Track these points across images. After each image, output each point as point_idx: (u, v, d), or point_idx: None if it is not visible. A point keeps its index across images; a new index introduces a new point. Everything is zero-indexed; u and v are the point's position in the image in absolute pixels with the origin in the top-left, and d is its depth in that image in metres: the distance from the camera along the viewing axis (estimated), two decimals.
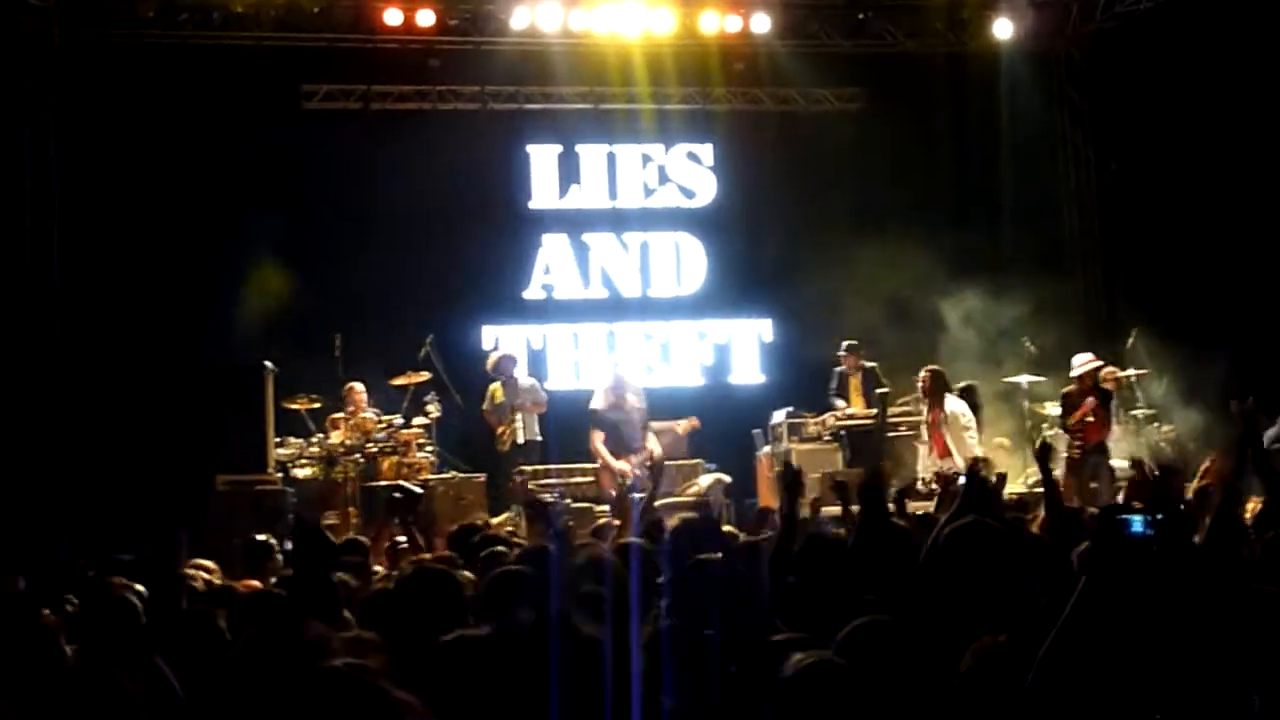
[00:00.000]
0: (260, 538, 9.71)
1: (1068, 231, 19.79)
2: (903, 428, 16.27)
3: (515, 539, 9.23)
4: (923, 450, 15.61)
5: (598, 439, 15.21)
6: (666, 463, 16.17)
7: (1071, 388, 15.37)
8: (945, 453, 15.23)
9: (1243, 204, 17.26)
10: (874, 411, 16.12)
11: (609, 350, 18.58)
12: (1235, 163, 17.27)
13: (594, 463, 15.67)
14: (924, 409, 15.68)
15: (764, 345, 19.50)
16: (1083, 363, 15.45)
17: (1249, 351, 15.82)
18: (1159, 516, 4.12)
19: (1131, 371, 16.53)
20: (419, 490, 13.09)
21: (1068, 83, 19.75)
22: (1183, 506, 7.10)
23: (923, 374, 15.68)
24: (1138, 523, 4.10)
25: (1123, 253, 19.20)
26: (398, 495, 11.61)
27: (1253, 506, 7.67)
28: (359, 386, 15.86)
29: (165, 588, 5.65)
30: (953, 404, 15.55)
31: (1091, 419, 14.99)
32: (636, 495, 13.39)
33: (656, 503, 13.03)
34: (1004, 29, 18.94)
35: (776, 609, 5.83)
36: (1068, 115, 19.79)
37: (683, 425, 16.43)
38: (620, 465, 14.92)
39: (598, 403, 15.70)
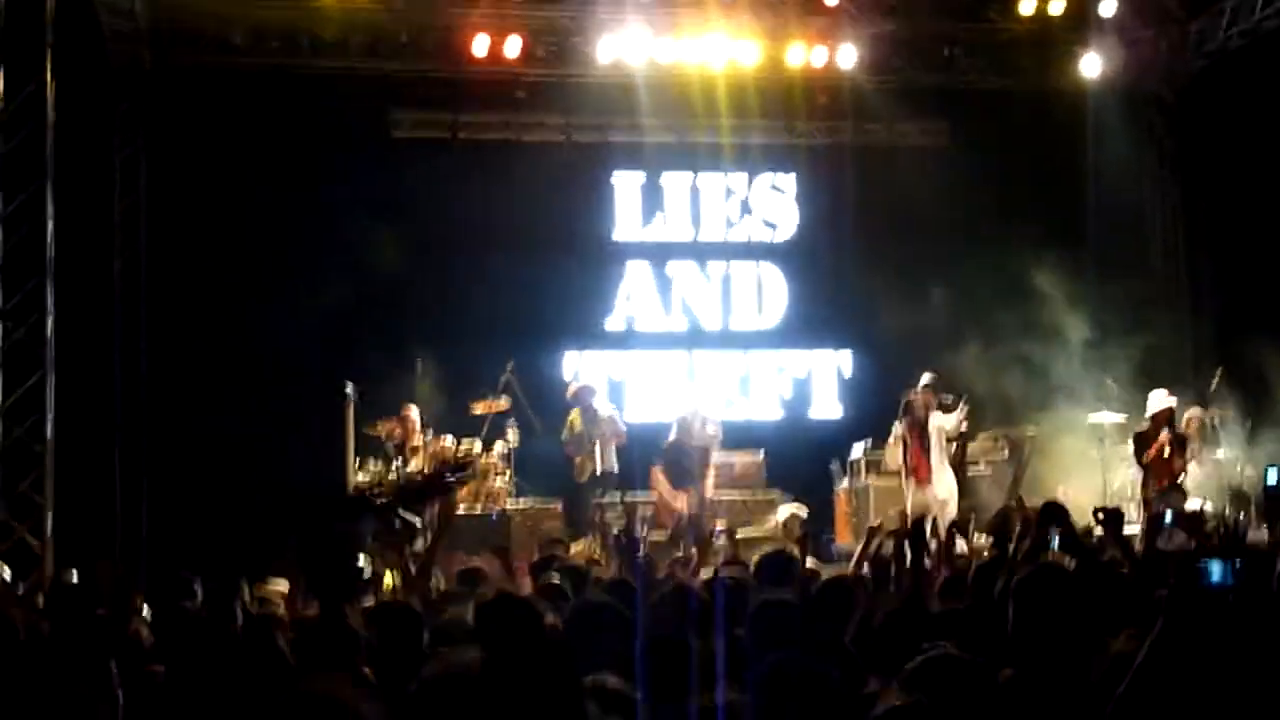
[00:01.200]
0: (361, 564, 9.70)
1: (1154, 271, 19.60)
2: (981, 465, 16.19)
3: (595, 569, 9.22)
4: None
5: (659, 476, 15.20)
6: (744, 495, 16.24)
7: (1145, 428, 15.17)
8: (927, 478, 15.01)
9: None
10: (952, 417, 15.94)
11: (688, 381, 18.59)
12: None
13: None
14: (901, 429, 15.31)
15: (843, 379, 19.44)
16: (1158, 401, 15.27)
17: None
18: (1238, 563, 4.08)
19: (1215, 411, 16.31)
20: (416, 522, 12.72)
21: (1157, 121, 19.58)
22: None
23: (914, 396, 15.39)
24: (1217, 570, 4.07)
25: (1210, 294, 18.99)
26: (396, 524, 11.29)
27: None
28: (412, 408, 15.92)
29: (221, 614, 5.68)
30: (936, 421, 15.32)
31: (1166, 455, 14.78)
32: (715, 529, 13.42)
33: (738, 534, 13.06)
34: (1092, 66, 18.79)
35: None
36: (1156, 155, 19.62)
37: (739, 463, 16.37)
38: (679, 503, 14.90)
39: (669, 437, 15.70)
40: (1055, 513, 7.81)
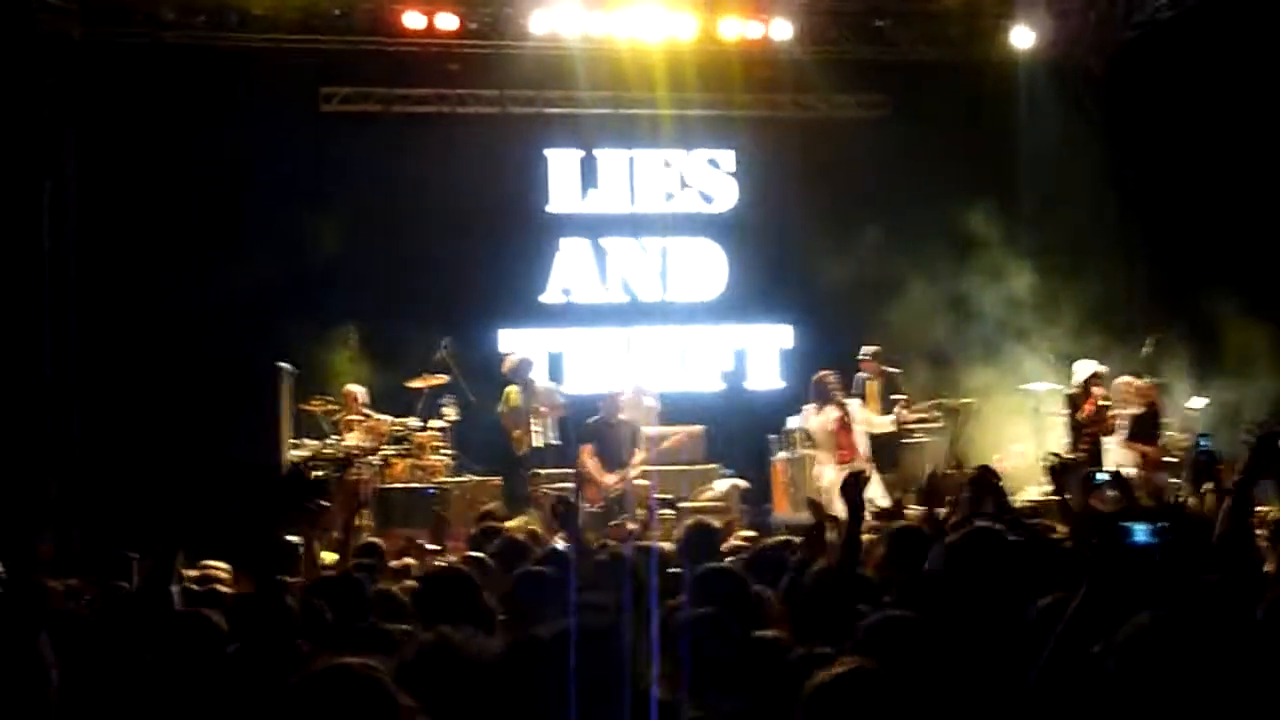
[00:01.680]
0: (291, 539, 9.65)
1: (1088, 240, 19.72)
2: (918, 434, 16.31)
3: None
4: (819, 458, 15.46)
5: (586, 452, 15.12)
6: (684, 467, 16.28)
7: (1076, 391, 15.40)
8: (853, 454, 15.14)
9: (1265, 213, 17.17)
10: (889, 418, 16.11)
11: (626, 355, 18.59)
12: (1256, 172, 17.20)
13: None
14: (830, 410, 15.49)
15: (783, 351, 19.48)
16: (1085, 368, 15.50)
17: (1273, 360, 15.74)
18: (1162, 525, 4.10)
19: (1148, 377, 16.45)
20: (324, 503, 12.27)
21: (1086, 92, 19.69)
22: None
23: (826, 377, 15.54)
24: (1140, 531, 4.09)
25: (1142, 260, 19.15)
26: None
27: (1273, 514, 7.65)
28: (357, 390, 15.88)
29: (155, 591, 5.64)
30: (854, 403, 15.60)
31: (1097, 413, 14.93)
32: (658, 497, 13.44)
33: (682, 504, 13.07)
34: (1023, 38, 18.89)
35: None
36: (1086, 125, 19.73)
37: (669, 440, 16.34)
38: (608, 479, 14.84)
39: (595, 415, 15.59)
40: (987, 480, 7.88)
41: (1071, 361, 16.14)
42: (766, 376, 19.50)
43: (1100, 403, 15.03)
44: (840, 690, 4.01)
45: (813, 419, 15.46)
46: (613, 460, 14.92)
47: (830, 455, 15.32)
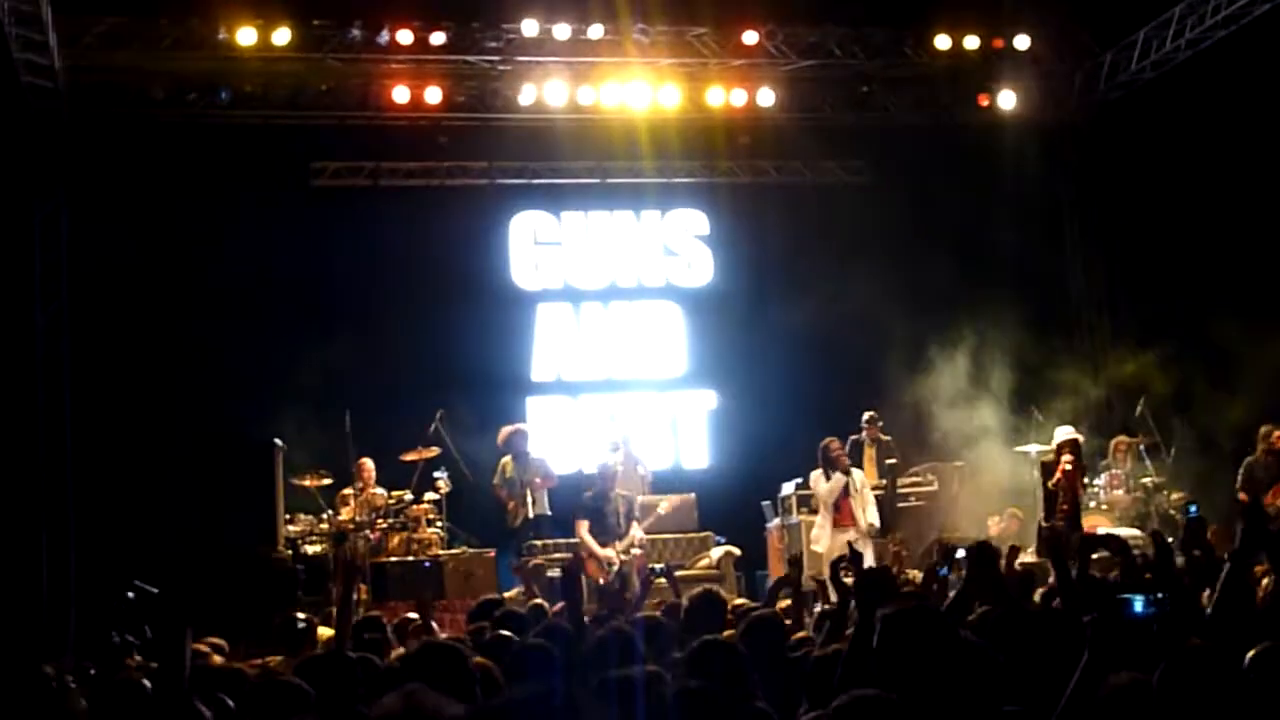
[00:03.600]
0: (300, 616, 9.63)
1: (1074, 300, 19.83)
2: (912, 498, 16.33)
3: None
4: (818, 522, 15.47)
5: (583, 527, 15.04)
6: (677, 535, 16.27)
7: (1049, 459, 15.26)
8: (852, 522, 15.18)
9: (1250, 268, 17.27)
10: (884, 482, 16.15)
11: (616, 425, 18.54)
12: (1240, 226, 17.31)
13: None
14: (839, 477, 15.38)
15: (772, 416, 19.37)
16: (1062, 434, 15.35)
17: (1256, 416, 15.78)
18: (1160, 595, 4.14)
19: (1141, 437, 16.51)
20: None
21: (1072, 152, 19.84)
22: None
23: (831, 443, 15.58)
24: (1139, 602, 4.13)
25: (1131, 319, 19.21)
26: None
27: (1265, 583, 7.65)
28: (369, 462, 15.88)
29: (170, 670, 5.62)
30: (858, 472, 15.61)
31: (1069, 478, 14.82)
32: (655, 567, 13.38)
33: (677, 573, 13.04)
34: (1007, 100, 19.05)
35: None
36: (1071, 184, 19.88)
37: (664, 506, 16.34)
38: (606, 553, 14.77)
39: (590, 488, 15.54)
40: (985, 555, 7.87)
41: (1058, 421, 16.19)
42: (745, 447, 19.30)
43: (1066, 468, 14.89)
44: None
45: (822, 484, 15.41)
46: (608, 533, 14.85)
47: (828, 520, 15.30)
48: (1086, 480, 15.52)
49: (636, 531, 14.96)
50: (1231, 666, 4.26)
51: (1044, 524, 12.28)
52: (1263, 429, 15.37)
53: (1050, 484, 14.90)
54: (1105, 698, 3.68)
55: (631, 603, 10.02)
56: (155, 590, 8.73)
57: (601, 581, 14.21)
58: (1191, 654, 4.09)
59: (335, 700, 5.62)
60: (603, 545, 14.65)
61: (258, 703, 5.47)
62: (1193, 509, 8.17)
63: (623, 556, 14.62)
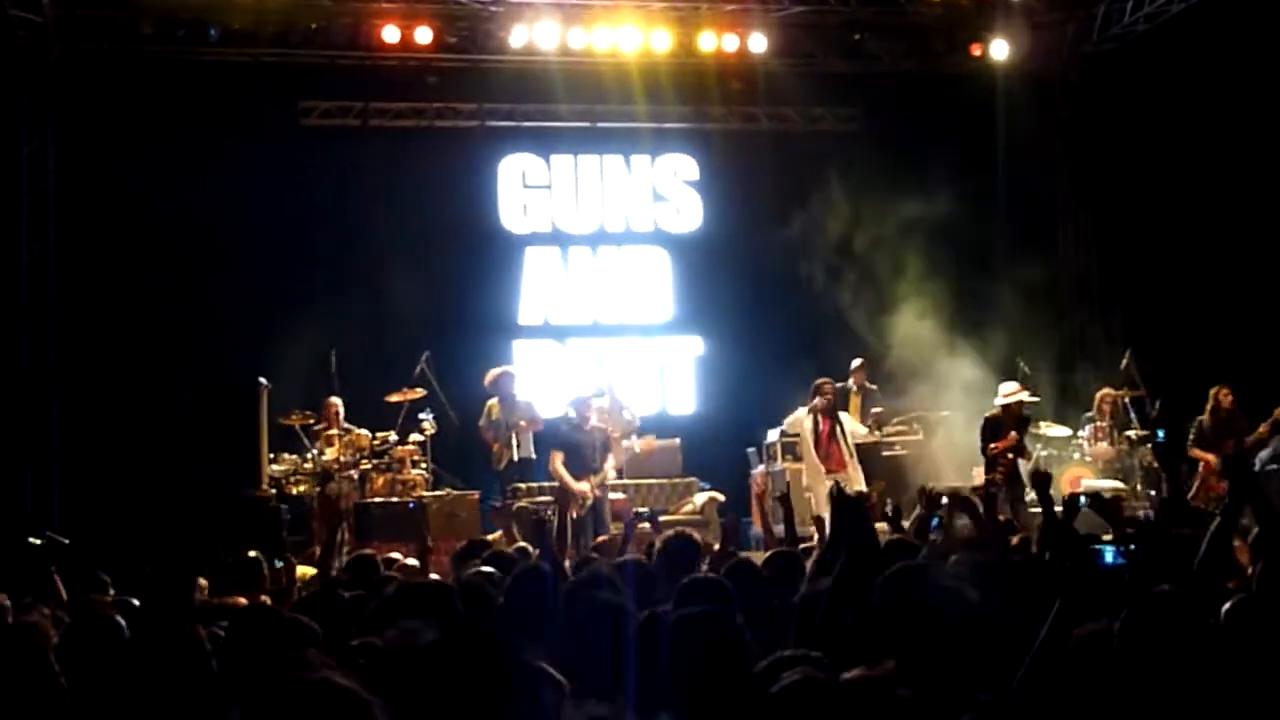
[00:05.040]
0: (252, 554, 9.68)
1: (1063, 252, 19.82)
2: (897, 447, 16.36)
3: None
4: (805, 465, 15.52)
5: (557, 459, 15.01)
6: (661, 480, 16.30)
7: (995, 413, 15.03)
8: (841, 466, 15.22)
9: (1240, 223, 17.29)
10: (868, 430, 16.20)
11: (601, 368, 18.54)
12: (1232, 181, 17.32)
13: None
14: (815, 420, 15.52)
15: (759, 363, 19.38)
16: (1008, 392, 15.27)
17: (1244, 374, 15.83)
18: (1131, 547, 4.16)
19: (1126, 391, 16.53)
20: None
21: (1064, 104, 19.78)
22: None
23: (826, 384, 15.59)
24: (1110, 553, 4.15)
25: (1119, 273, 19.21)
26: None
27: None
28: (336, 400, 15.85)
29: (171, 608, 5.63)
30: (845, 417, 15.74)
31: (1010, 453, 14.66)
32: (640, 510, 13.41)
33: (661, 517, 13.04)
34: (1000, 50, 18.97)
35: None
36: (1063, 137, 19.83)
37: (640, 445, 16.37)
38: (580, 486, 14.75)
39: (561, 423, 15.51)
40: (966, 503, 7.93)
41: (1047, 373, 16.24)
42: (733, 391, 19.34)
43: (1009, 456, 14.51)
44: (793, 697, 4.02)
45: (806, 420, 15.45)
46: (583, 467, 14.83)
47: (814, 457, 15.37)
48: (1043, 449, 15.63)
49: (610, 466, 14.99)
50: (1200, 615, 4.29)
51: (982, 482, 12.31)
52: (1212, 390, 15.47)
53: (990, 451, 14.71)
54: (1072, 649, 3.71)
55: (617, 547, 10.04)
56: (65, 541, 8.65)
57: (575, 515, 14.19)
58: (1155, 601, 4.12)
59: (331, 636, 5.63)
60: (577, 479, 14.64)
61: (262, 638, 5.46)
62: (1159, 435, 8.23)
63: (596, 491, 14.64)
